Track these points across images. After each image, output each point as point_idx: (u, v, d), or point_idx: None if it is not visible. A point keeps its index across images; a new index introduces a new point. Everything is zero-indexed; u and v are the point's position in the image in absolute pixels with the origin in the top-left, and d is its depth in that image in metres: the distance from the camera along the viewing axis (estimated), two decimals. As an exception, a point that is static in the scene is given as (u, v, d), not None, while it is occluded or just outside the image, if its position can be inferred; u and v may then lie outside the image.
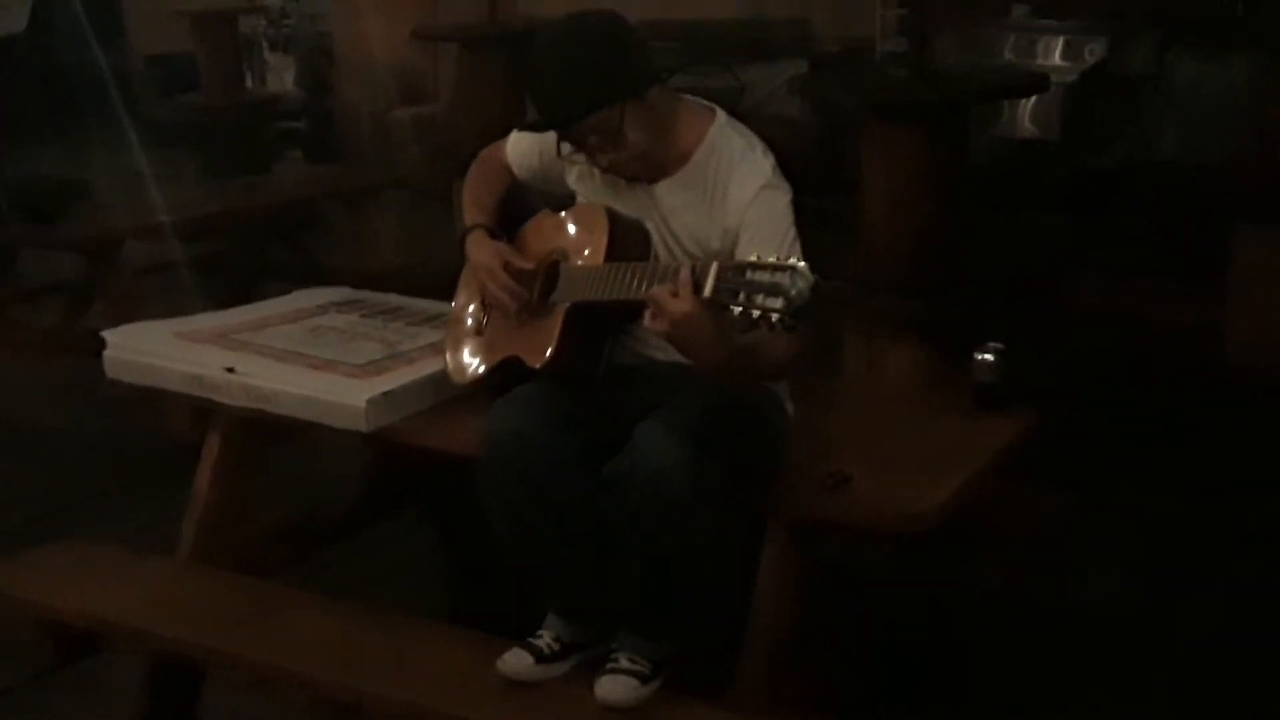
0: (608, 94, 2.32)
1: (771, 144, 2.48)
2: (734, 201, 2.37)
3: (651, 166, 2.43)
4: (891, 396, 3.32)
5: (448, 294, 3.19)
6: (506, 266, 2.53)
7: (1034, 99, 5.44)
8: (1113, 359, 4.04)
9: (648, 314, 2.16)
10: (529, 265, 2.54)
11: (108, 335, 3.03)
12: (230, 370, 2.83)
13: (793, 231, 2.35)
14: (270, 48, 8.37)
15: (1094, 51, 5.62)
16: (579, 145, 2.41)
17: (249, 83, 8.01)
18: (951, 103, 3.86)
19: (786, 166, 2.44)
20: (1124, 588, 3.17)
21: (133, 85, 8.46)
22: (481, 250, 2.57)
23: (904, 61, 4.32)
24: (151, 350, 2.96)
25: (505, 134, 2.76)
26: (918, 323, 3.69)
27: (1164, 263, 4.49)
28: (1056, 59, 5.86)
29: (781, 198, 2.38)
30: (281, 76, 8.38)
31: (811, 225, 2.39)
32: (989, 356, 2.73)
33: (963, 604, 3.00)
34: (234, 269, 5.54)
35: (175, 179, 6.90)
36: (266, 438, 3.04)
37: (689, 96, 2.51)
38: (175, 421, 3.84)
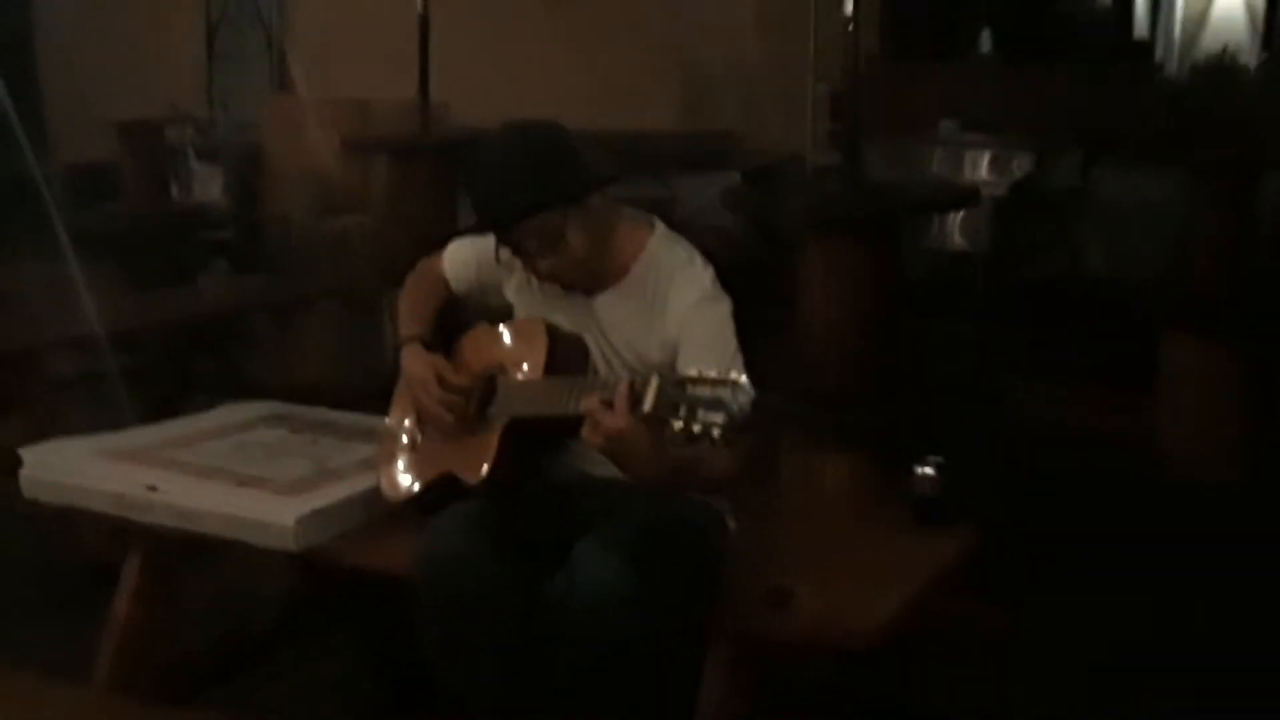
0: (551, 196, 2.30)
1: (706, 255, 2.46)
2: (673, 312, 2.35)
3: (590, 276, 2.41)
4: (831, 509, 3.29)
5: (378, 408, 3.13)
6: (441, 381, 2.47)
7: (963, 212, 5.54)
8: (1045, 466, 4.05)
9: (585, 428, 2.12)
10: (464, 380, 2.49)
11: (24, 454, 2.92)
12: (152, 489, 2.73)
13: (734, 343, 2.34)
14: (197, 157, 8.32)
15: (1020, 166, 5.74)
16: (517, 250, 2.38)
17: (174, 192, 7.94)
18: (886, 216, 3.90)
19: (721, 276, 2.43)
20: (1064, 701, 3.13)
21: (53, 193, 8.35)
22: (416, 363, 2.52)
23: (837, 175, 4.36)
24: (71, 469, 2.87)
25: (435, 244, 2.73)
26: (854, 434, 3.68)
27: (1093, 371, 4.54)
28: (983, 173, 5.97)
29: (721, 308, 2.37)
30: (208, 186, 8.32)
31: (747, 336, 2.38)
32: (929, 470, 2.71)
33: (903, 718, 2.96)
34: (157, 382, 5.42)
35: (97, 289, 6.78)
36: (189, 557, 2.95)
37: (627, 208, 2.49)
38: (91, 540, 3.71)
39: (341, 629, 3.38)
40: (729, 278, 2.45)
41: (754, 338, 2.41)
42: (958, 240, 5.76)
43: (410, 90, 6.08)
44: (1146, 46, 7.08)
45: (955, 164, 6.10)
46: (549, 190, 2.31)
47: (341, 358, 5.70)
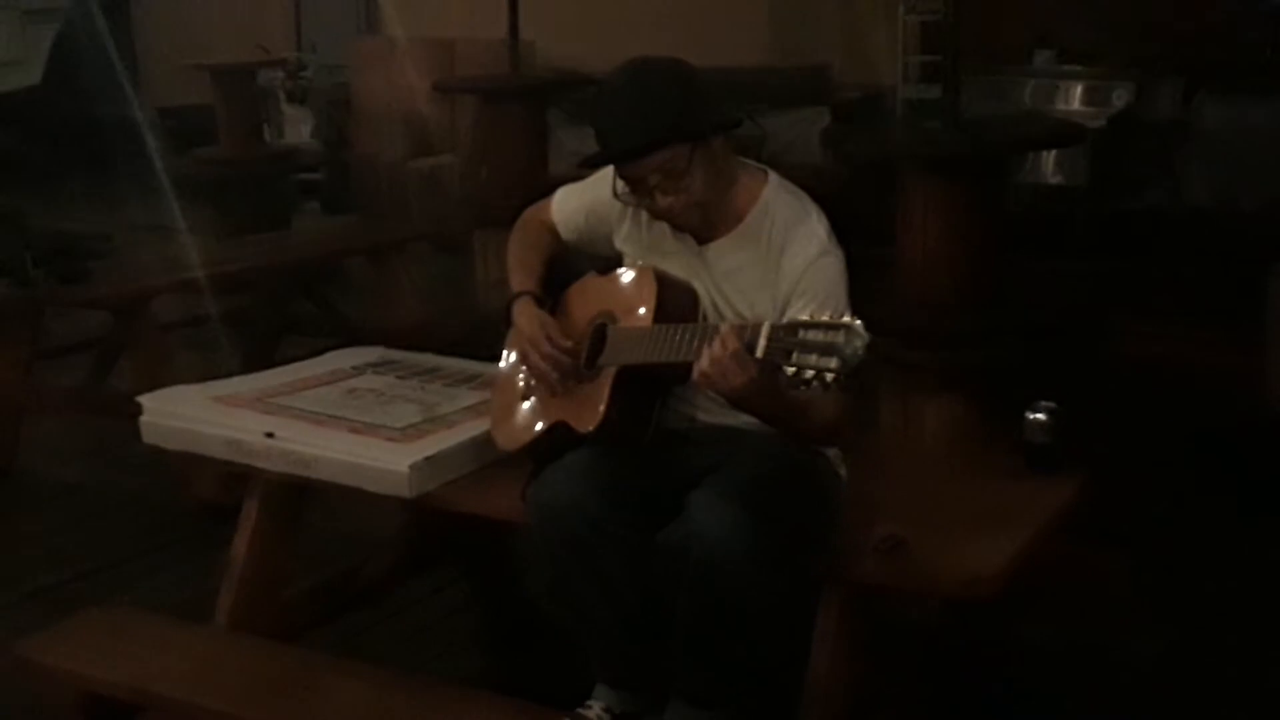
0: (682, 130, 2.29)
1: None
2: (788, 268, 2.33)
3: (705, 219, 2.39)
4: (938, 455, 3.28)
5: (477, 350, 3.17)
6: (551, 340, 2.48)
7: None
8: (1154, 408, 3.99)
9: (698, 373, 2.12)
10: (573, 340, 2.49)
11: (144, 400, 2.99)
12: (270, 435, 2.79)
13: (845, 297, 2.32)
14: (288, 100, 8.37)
15: (1120, 97, 5.60)
16: (637, 185, 2.36)
17: (266, 135, 8.00)
18: (989, 154, 3.83)
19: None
20: (1178, 643, 3.11)
21: (148, 139, 8.48)
22: (529, 320, 2.52)
23: (931, 110, 4.29)
24: (188, 415, 2.93)
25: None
26: (958, 376, 3.65)
27: (1198, 308, 4.45)
28: (1078, 104, 5.84)
29: (836, 264, 2.35)
30: (299, 129, 8.39)
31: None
32: (1041, 416, 2.68)
33: (1016, 661, 2.96)
34: (258, 325, 5.51)
35: (196, 233, 6.89)
36: (304, 499, 3.01)
37: (744, 159, 2.47)
38: (203, 484, 3.81)
39: (450, 571, 3.44)
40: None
41: (850, 278, 2.40)
42: (1055, 174, 5.65)
43: (498, 30, 6.06)
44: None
45: (1048, 95, 5.97)
46: (679, 125, 2.28)
47: (435, 299, 5.75)
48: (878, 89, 6.58)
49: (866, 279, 2.53)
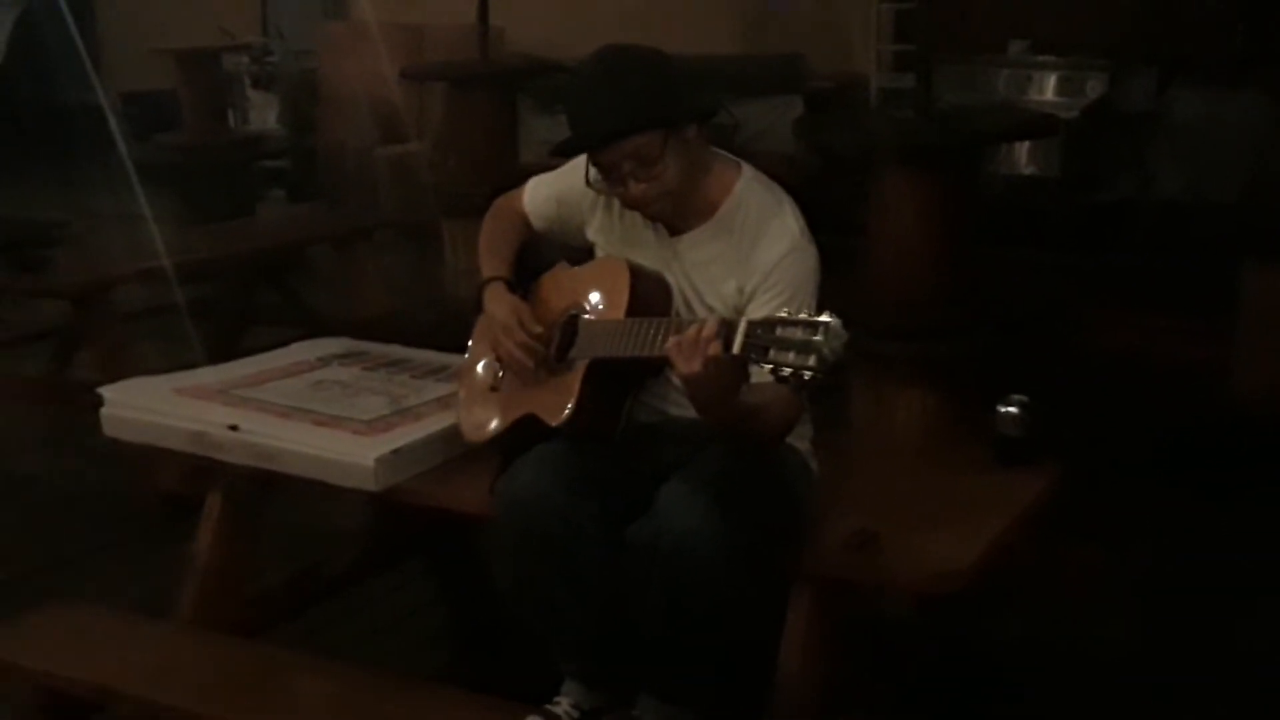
0: (655, 117, 2.25)
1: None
2: (759, 262, 2.30)
3: (678, 209, 2.35)
4: (909, 448, 3.26)
5: (442, 340, 3.13)
6: (523, 325, 2.44)
7: (1032, 134, 5.40)
8: (1124, 401, 3.99)
9: (673, 365, 2.08)
10: (546, 325, 2.46)
11: (105, 391, 2.93)
12: (234, 428, 2.74)
13: (814, 293, 2.29)
14: (253, 85, 8.28)
15: (1093, 88, 5.59)
16: (610, 172, 2.32)
17: (231, 121, 7.92)
18: (962, 145, 3.81)
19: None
20: (1149, 637, 3.10)
21: (111, 124, 8.38)
22: (500, 306, 2.49)
23: (904, 99, 4.27)
24: (150, 407, 2.87)
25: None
26: (929, 368, 3.63)
27: (1171, 300, 4.45)
28: (1050, 94, 5.83)
29: (808, 259, 2.32)
30: (264, 115, 8.29)
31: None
32: (1013, 409, 2.66)
33: (988, 656, 2.94)
34: (222, 314, 5.44)
35: (158, 220, 6.79)
36: (268, 492, 2.96)
37: (717, 149, 2.43)
38: (164, 477, 3.75)
39: (416, 565, 3.40)
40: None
41: (823, 270, 2.37)
42: (1028, 165, 5.64)
43: (467, 15, 6.01)
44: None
45: (1022, 85, 5.96)
46: (652, 111, 2.25)
47: (402, 288, 5.70)
48: (851, 78, 6.56)
49: (839, 269, 2.50)
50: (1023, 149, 5.60)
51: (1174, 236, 4.83)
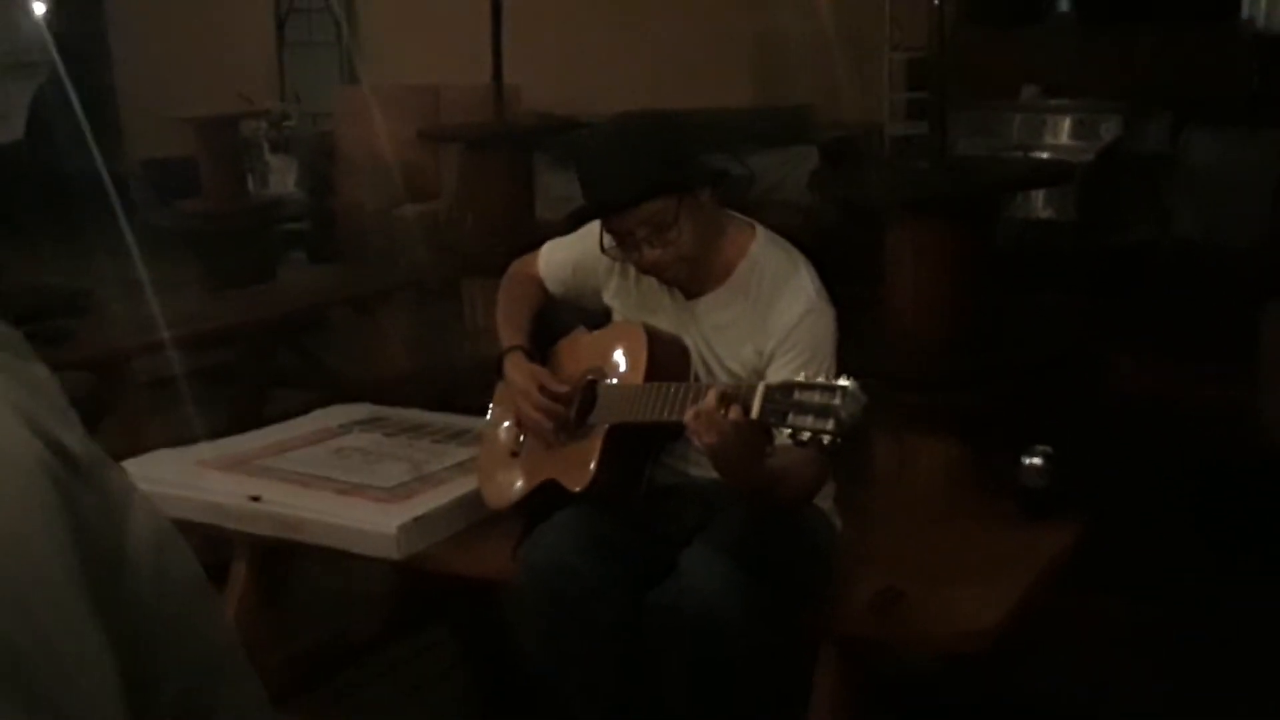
0: (668, 182, 2.26)
1: (785, 232, 2.43)
2: (776, 324, 2.30)
3: (693, 273, 2.36)
4: (932, 502, 3.23)
5: (465, 403, 3.13)
6: (542, 389, 2.45)
7: (1049, 180, 5.39)
8: (1147, 446, 3.95)
9: (691, 432, 2.08)
10: (564, 388, 2.46)
11: (129, 466, 2.93)
12: (255, 499, 2.74)
13: (833, 354, 2.29)
14: (271, 150, 8.35)
15: (1108, 130, 5.59)
16: (624, 239, 2.33)
17: (251, 186, 7.97)
18: (976, 195, 3.81)
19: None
20: (1174, 693, 3.05)
21: (131, 191, 8.45)
22: (519, 373, 2.49)
23: (918, 146, 4.28)
24: (172, 481, 2.87)
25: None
26: (950, 419, 3.61)
27: (1190, 343, 4.42)
28: (1065, 138, 5.83)
29: (825, 320, 2.32)
30: (283, 178, 8.36)
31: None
32: (1036, 460, 2.64)
33: (1012, 711, 2.91)
34: (244, 379, 5.45)
35: (179, 287, 6.83)
36: (291, 561, 2.96)
37: (731, 212, 2.44)
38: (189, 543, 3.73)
39: (439, 630, 3.39)
40: (810, 256, 2.41)
41: (842, 321, 2.37)
42: (1045, 209, 5.63)
43: (483, 74, 6.05)
44: (1234, 2, 6.88)
45: (1037, 130, 5.96)
46: (665, 177, 2.26)
47: (422, 348, 5.71)
48: (865, 126, 6.57)
49: (857, 320, 2.50)
50: (1039, 193, 5.59)
51: (1192, 278, 4.80)
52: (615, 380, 2.39)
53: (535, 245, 2.67)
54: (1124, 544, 3.19)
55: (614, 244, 2.36)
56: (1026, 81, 6.01)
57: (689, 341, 2.38)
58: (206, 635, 0.66)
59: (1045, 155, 5.65)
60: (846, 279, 2.56)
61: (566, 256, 2.57)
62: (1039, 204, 5.62)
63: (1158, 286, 4.87)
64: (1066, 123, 5.83)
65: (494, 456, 2.61)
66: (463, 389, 3.55)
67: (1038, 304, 4.71)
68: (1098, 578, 2.85)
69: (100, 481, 0.59)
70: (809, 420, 1.93)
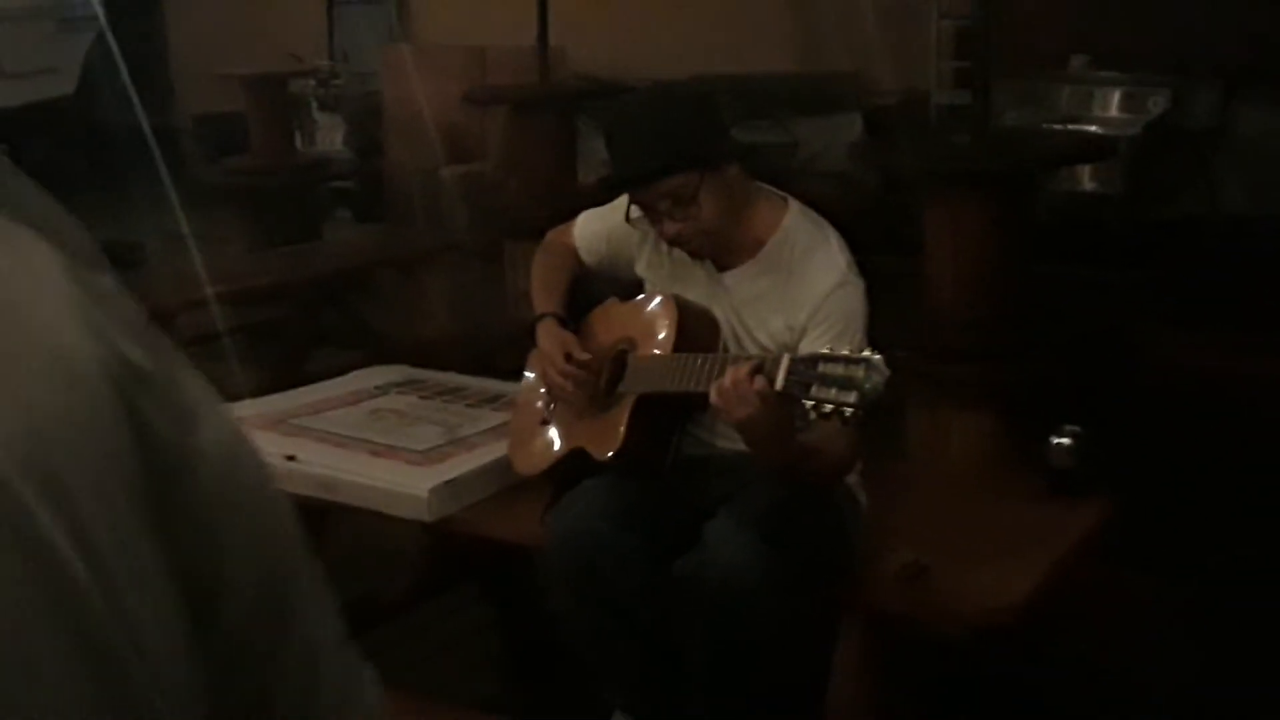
0: (689, 157, 2.28)
1: (827, 201, 2.43)
2: (807, 297, 2.31)
3: (720, 246, 2.37)
4: (962, 477, 3.23)
5: (503, 366, 3.15)
6: (569, 357, 2.46)
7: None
8: (1186, 422, 3.92)
9: (716, 404, 2.10)
10: (593, 357, 2.48)
11: (164, 423, 2.98)
12: (291, 458, 2.78)
13: (863, 328, 2.29)
14: (319, 108, 8.38)
15: (1156, 103, 5.50)
16: (648, 210, 2.35)
17: (298, 144, 8.01)
18: (1018, 169, 3.78)
19: (843, 225, 2.38)
20: (1203, 672, 3.05)
21: (182, 147, 8.52)
22: (548, 339, 2.52)
23: (963, 117, 4.24)
24: (211, 439, 2.92)
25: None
26: (988, 392, 3.59)
27: (1237, 317, 4.37)
28: (1114, 111, 5.75)
29: (855, 293, 2.33)
30: (331, 137, 8.39)
31: (872, 289, 2.34)
32: (1065, 440, 2.64)
33: (1041, 687, 2.91)
34: (288, 336, 5.51)
35: (228, 242, 6.91)
36: (324, 521, 2.99)
37: (764, 185, 2.45)
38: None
39: (469, 592, 3.42)
40: (849, 224, 2.42)
41: (875, 289, 2.37)
42: (1090, 182, 5.56)
43: (529, 36, 6.04)
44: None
45: (1084, 101, 5.87)
46: (686, 152, 2.28)
47: (463, 311, 5.74)
48: (911, 95, 6.50)
49: (897, 290, 2.50)
50: (1086, 167, 5.52)
51: (1240, 252, 4.74)
52: (645, 351, 2.41)
53: (576, 210, 2.70)
54: (1159, 522, 3.18)
55: (639, 215, 2.38)
56: (1075, 52, 5.92)
57: (720, 314, 2.39)
58: (281, 542, 0.69)
59: (1093, 129, 5.56)
60: (890, 250, 2.55)
61: (601, 227, 2.59)
62: (1086, 177, 5.55)
63: (1205, 260, 4.81)
64: (1115, 95, 5.74)
65: (525, 422, 2.63)
66: (501, 353, 3.57)
67: (1081, 278, 4.67)
68: (1127, 554, 2.85)
69: (169, 391, 0.62)
70: (832, 392, 1.95)
